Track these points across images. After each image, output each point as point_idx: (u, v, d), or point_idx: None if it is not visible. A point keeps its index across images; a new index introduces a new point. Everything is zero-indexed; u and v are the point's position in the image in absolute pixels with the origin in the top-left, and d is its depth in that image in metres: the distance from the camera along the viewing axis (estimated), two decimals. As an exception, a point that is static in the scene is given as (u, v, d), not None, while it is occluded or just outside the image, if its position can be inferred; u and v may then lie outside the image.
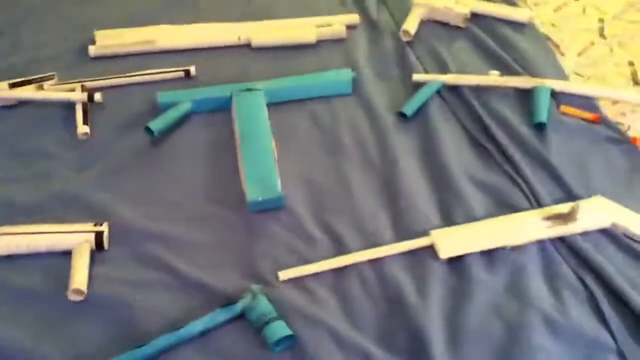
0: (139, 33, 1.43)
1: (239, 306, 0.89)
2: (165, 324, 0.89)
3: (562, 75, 1.34)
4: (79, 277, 0.93)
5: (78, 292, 0.92)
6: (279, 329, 0.86)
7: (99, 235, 0.99)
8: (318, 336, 0.88)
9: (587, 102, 1.27)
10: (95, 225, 1.02)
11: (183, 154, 1.19)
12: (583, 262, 0.98)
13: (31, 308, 0.93)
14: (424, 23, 1.48)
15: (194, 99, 1.27)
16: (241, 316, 0.90)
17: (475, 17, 1.49)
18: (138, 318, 0.91)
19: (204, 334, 0.88)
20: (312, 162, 1.18)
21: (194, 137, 1.23)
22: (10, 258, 0.99)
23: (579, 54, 1.44)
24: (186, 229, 1.05)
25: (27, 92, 1.28)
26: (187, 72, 1.35)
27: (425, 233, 1.02)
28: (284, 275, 0.96)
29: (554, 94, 1.27)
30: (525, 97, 1.27)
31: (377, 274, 0.97)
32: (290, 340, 0.87)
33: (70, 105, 1.27)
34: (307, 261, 0.99)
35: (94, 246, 0.99)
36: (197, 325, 0.87)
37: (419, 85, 1.31)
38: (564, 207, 1.03)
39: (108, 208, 1.07)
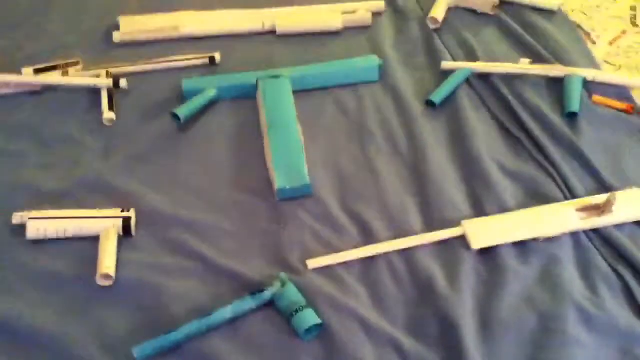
0: (163, 19, 1.42)
1: (268, 294, 0.88)
2: (193, 310, 0.89)
3: (593, 64, 1.32)
4: (107, 261, 0.93)
5: (106, 276, 0.92)
6: (309, 317, 0.85)
7: (126, 221, 0.99)
8: (347, 324, 0.87)
9: (620, 92, 1.24)
10: (122, 211, 1.01)
11: (209, 141, 1.19)
12: (618, 254, 0.96)
13: (59, 293, 0.92)
14: (451, 10, 1.45)
15: (219, 85, 1.26)
16: (269, 304, 0.89)
17: (504, 4, 1.46)
18: (166, 304, 0.90)
19: (232, 321, 0.87)
20: (339, 149, 1.16)
21: (220, 124, 1.22)
22: (38, 243, 0.99)
23: (611, 43, 1.41)
24: (213, 216, 1.04)
25: (52, 78, 1.27)
26: (212, 59, 1.34)
27: (454, 222, 1.00)
28: (312, 263, 0.95)
29: (585, 84, 1.25)
30: (557, 86, 1.25)
31: (407, 263, 0.96)
32: (320, 329, 0.86)
33: (95, 92, 1.27)
34: (335, 249, 0.98)
35: (121, 232, 0.99)
36: (226, 312, 0.86)
37: (447, 73, 1.29)
38: (599, 198, 1.01)
39: (135, 194, 1.07)
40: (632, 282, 0.92)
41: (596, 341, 0.85)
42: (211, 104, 1.25)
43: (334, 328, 0.86)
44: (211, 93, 1.24)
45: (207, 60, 1.34)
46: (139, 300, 0.91)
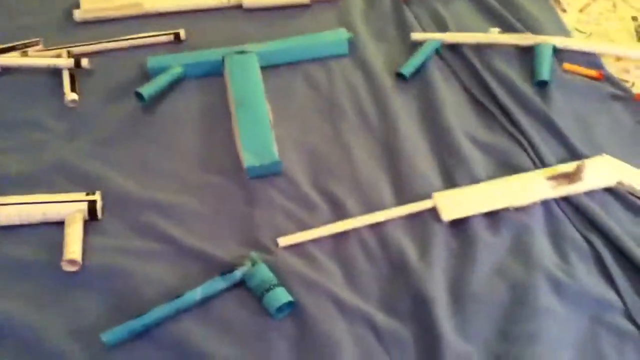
0: (125, -4, 1.38)
1: (238, 273, 0.87)
2: (163, 293, 0.87)
3: (564, 32, 1.31)
4: (73, 247, 0.91)
5: (72, 262, 0.90)
6: (280, 296, 0.84)
7: (92, 205, 0.97)
8: (319, 302, 0.86)
9: (590, 59, 1.24)
10: (87, 194, 0.98)
11: (176, 121, 1.16)
12: (589, 221, 0.96)
13: (26, 280, 0.90)
14: (421, -19, 1.43)
15: (185, 63, 1.23)
16: (240, 284, 0.88)
17: (474, -26, 1.44)
18: (136, 288, 0.88)
19: (203, 302, 0.86)
20: (309, 125, 1.15)
21: (187, 103, 1.19)
22: (3, 229, 0.96)
23: (581, 10, 1.41)
24: (182, 197, 1.02)
25: (11, 59, 1.23)
26: (177, 36, 1.31)
27: (427, 196, 1.00)
28: (284, 241, 0.94)
29: (556, 52, 1.24)
30: (527, 55, 1.24)
31: (379, 238, 0.95)
32: (291, 307, 0.85)
33: (57, 73, 1.23)
34: (306, 227, 0.96)
35: (87, 216, 0.96)
36: (196, 293, 0.85)
37: (417, 45, 1.27)
38: (568, 167, 1.01)
39: (101, 178, 1.04)
40: (603, 250, 0.92)
41: (567, 310, 0.85)
42: (177, 83, 1.22)
43: (306, 306, 0.85)
44: (176, 70, 1.21)
45: (172, 38, 1.31)
46: (110, 286, 0.89)
